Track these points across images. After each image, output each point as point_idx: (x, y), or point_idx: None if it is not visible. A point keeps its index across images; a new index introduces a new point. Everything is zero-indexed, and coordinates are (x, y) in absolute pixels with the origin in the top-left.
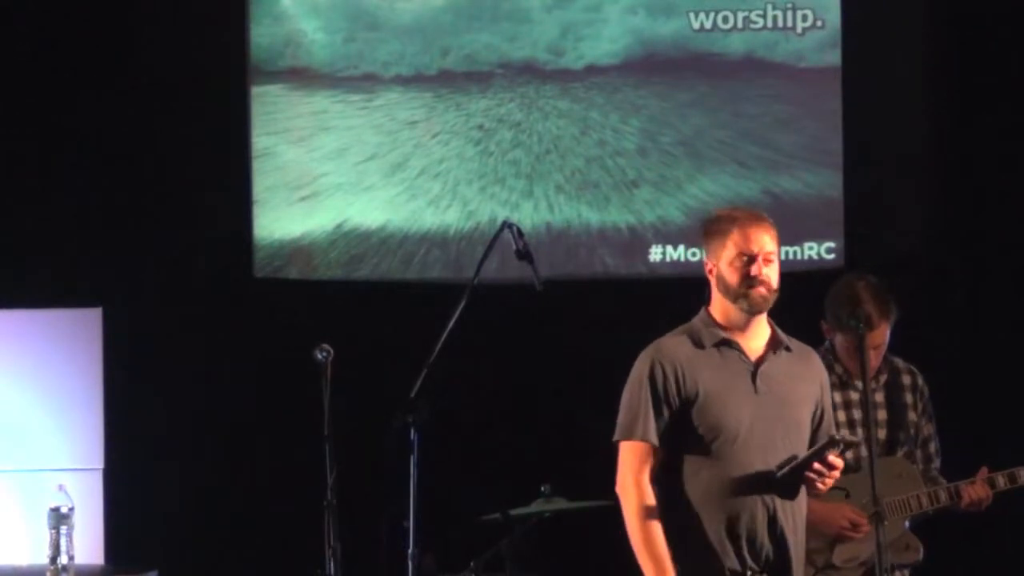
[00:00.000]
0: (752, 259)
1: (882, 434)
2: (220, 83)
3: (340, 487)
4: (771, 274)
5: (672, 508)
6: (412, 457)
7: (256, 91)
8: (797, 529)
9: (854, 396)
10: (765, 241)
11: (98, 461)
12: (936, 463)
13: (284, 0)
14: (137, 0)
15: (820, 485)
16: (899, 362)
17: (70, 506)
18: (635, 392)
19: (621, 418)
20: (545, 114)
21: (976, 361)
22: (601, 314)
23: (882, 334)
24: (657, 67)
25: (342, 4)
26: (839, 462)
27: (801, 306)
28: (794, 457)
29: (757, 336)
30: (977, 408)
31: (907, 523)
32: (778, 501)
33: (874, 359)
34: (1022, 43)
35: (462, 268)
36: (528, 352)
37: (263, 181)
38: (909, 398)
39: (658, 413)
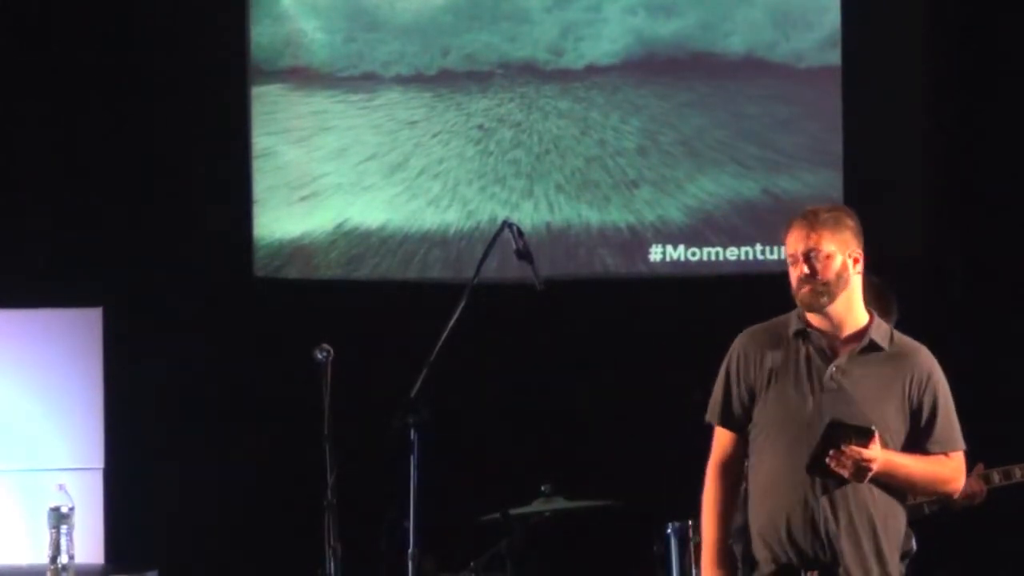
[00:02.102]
0: (794, 260)
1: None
2: (220, 83)
3: (340, 487)
4: (814, 270)
5: (746, 497)
6: (412, 457)
7: (256, 91)
8: (856, 527)
9: None
10: (801, 240)
11: (98, 461)
12: None
13: (284, 0)
14: (137, 0)
15: (846, 474)
16: None
17: (70, 506)
18: (720, 378)
19: (714, 390)
20: (545, 114)
21: (974, 361)
22: (601, 314)
23: None
24: (657, 67)
25: (342, 4)
26: (865, 452)
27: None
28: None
29: (844, 328)
30: (975, 408)
31: None
32: (826, 498)
33: None
34: (1022, 43)
35: (462, 268)
36: (528, 352)
37: (263, 181)
38: None
39: (730, 398)
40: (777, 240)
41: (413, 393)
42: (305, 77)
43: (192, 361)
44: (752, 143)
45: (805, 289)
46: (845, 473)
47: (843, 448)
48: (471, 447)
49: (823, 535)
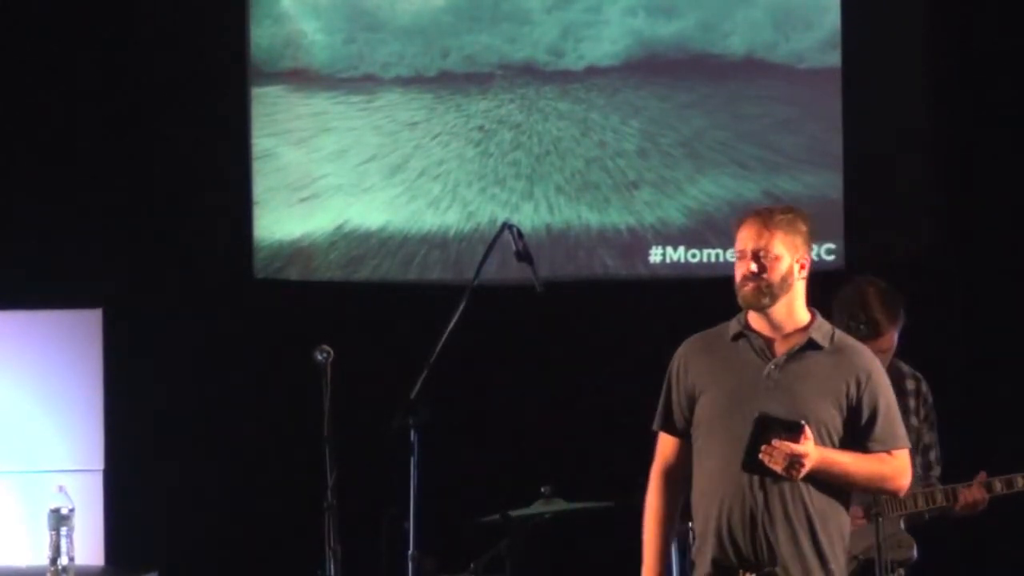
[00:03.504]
0: (741, 256)
1: None
2: (220, 84)
3: (340, 488)
4: (761, 269)
5: (691, 499)
6: (412, 458)
7: (256, 92)
8: (794, 524)
9: None
10: (750, 237)
11: (98, 462)
12: (936, 471)
13: (284, 1)
14: (138, 1)
15: (779, 469)
16: (904, 367)
17: (70, 507)
18: (665, 382)
19: (660, 399)
20: (545, 115)
21: (975, 363)
22: (601, 315)
23: (889, 340)
24: (657, 68)
25: (342, 5)
26: (796, 447)
27: None
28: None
29: (784, 328)
30: (976, 411)
31: (902, 523)
32: (762, 495)
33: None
34: (1022, 43)
35: (462, 269)
36: (528, 353)
37: (263, 182)
38: (911, 403)
39: (671, 404)
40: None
41: (413, 394)
42: (305, 78)
43: (192, 362)
44: (752, 144)
45: (749, 287)
46: (778, 468)
47: (773, 443)
48: (471, 447)
49: (760, 532)
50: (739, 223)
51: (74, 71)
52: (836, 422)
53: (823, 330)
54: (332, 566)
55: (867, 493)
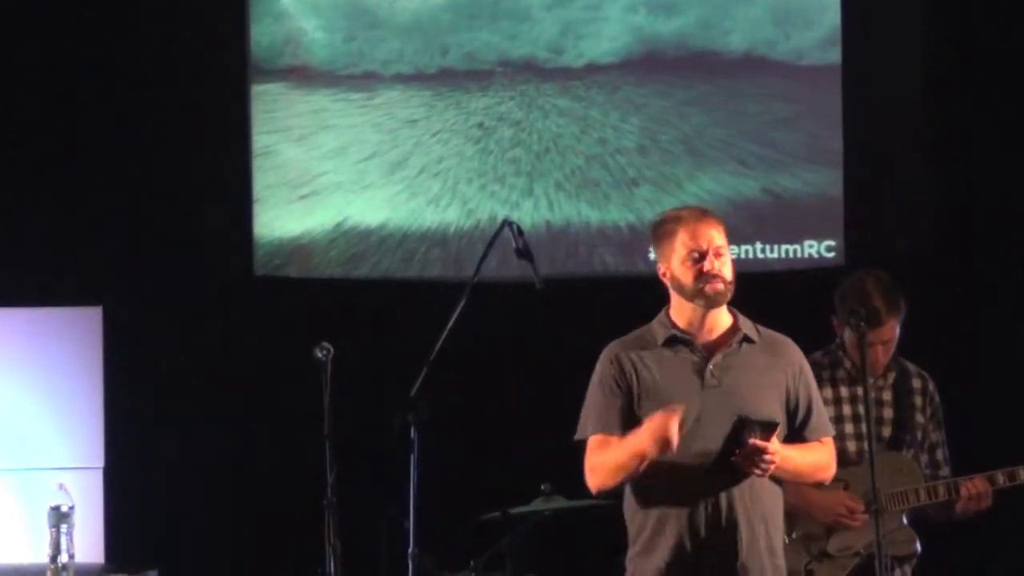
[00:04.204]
0: (703, 255)
1: (887, 431)
2: (220, 82)
3: (340, 486)
4: (724, 268)
5: (629, 506)
6: (412, 456)
7: (256, 90)
8: (754, 522)
9: (861, 392)
10: (713, 236)
11: (98, 460)
12: (944, 471)
13: None
14: (138, 0)
15: (756, 470)
16: (910, 366)
17: (70, 505)
18: (593, 392)
19: (582, 419)
20: (545, 112)
21: (976, 360)
22: (601, 313)
23: (891, 330)
24: (657, 65)
25: (342, 3)
26: (768, 444)
27: (801, 304)
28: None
29: (715, 330)
30: (978, 407)
31: (904, 518)
32: (725, 495)
33: (883, 355)
34: (1022, 43)
35: (462, 267)
36: (528, 351)
37: (263, 179)
38: (918, 401)
39: (611, 406)
40: (777, 238)
41: (413, 392)
42: (305, 76)
43: (192, 361)
44: (752, 141)
45: (718, 285)
46: (754, 469)
47: (749, 443)
48: (471, 447)
49: (723, 529)
50: (679, 222)
51: (74, 70)
52: (780, 415)
53: (748, 324)
54: (332, 564)
55: (803, 484)
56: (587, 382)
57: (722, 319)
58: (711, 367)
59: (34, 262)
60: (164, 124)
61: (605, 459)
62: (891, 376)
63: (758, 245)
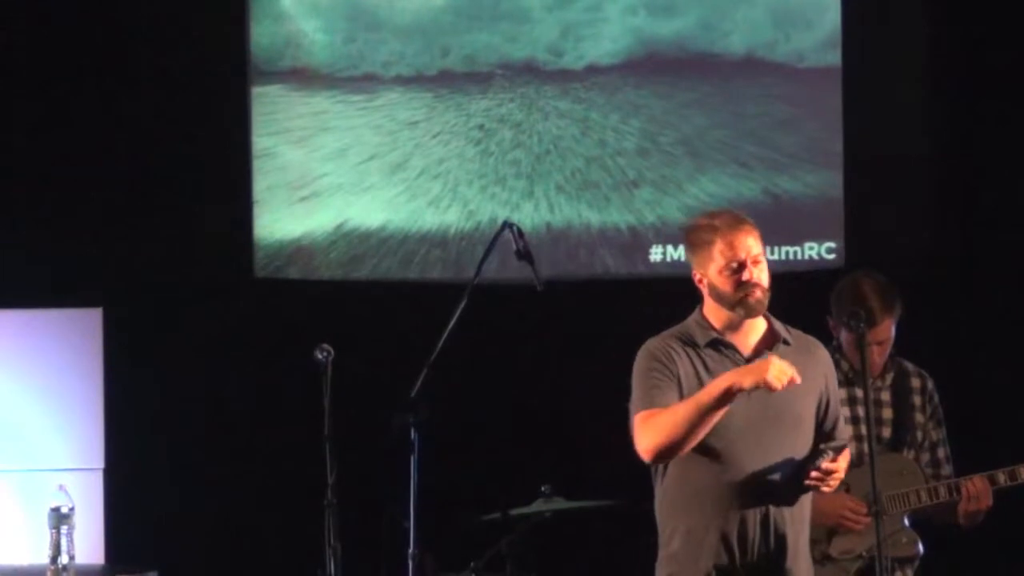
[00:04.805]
0: (742, 265)
1: (887, 432)
2: (220, 83)
3: (340, 487)
4: (762, 276)
5: (665, 506)
6: (412, 457)
7: (256, 91)
8: (798, 529)
9: (859, 393)
10: (750, 244)
11: (98, 461)
12: (946, 470)
13: (284, 0)
14: (137, 0)
15: (825, 488)
16: (909, 365)
17: (70, 506)
18: (652, 367)
19: (634, 398)
20: (545, 114)
21: (976, 360)
22: (601, 314)
23: (886, 330)
24: (658, 67)
25: (342, 4)
26: (836, 466)
27: (801, 305)
28: (786, 464)
29: (752, 333)
30: (978, 407)
31: (906, 519)
32: (774, 501)
33: (878, 356)
34: (1022, 43)
35: (462, 268)
36: (528, 352)
37: (263, 181)
38: (917, 400)
39: (667, 387)
40: (778, 240)
41: (413, 393)
42: (305, 77)
43: (192, 361)
44: (752, 143)
45: (758, 294)
46: (825, 488)
47: (824, 466)
48: (471, 447)
49: (772, 534)
50: (715, 231)
51: (74, 70)
52: (815, 419)
53: (779, 325)
54: (332, 565)
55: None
56: (587, 382)
57: (758, 321)
58: None
59: (34, 262)
60: (164, 125)
61: (664, 417)
62: (889, 377)
63: None
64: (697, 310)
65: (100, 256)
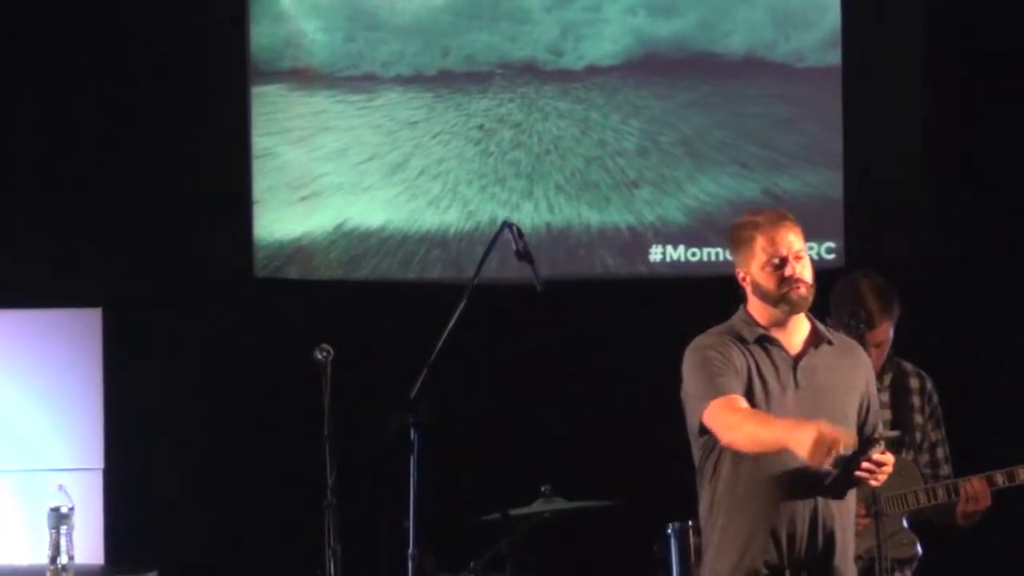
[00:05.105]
0: (784, 261)
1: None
2: (220, 83)
3: (340, 487)
4: (805, 272)
5: (713, 503)
6: (412, 457)
7: (256, 91)
8: (845, 525)
9: None
10: (792, 240)
11: (98, 461)
12: (944, 470)
13: (284, 0)
14: (137, 0)
15: (873, 482)
16: (907, 365)
17: (70, 506)
18: (701, 364)
19: (695, 390)
20: (545, 114)
21: (975, 361)
22: (601, 314)
23: (884, 332)
24: (657, 67)
25: (342, 4)
26: (887, 458)
27: None
28: (842, 458)
29: (797, 332)
30: (977, 410)
31: (904, 520)
32: (823, 500)
33: (876, 357)
34: (1022, 43)
35: (462, 268)
36: (528, 352)
37: (263, 181)
38: (916, 401)
39: (732, 372)
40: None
41: (413, 393)
42: (305, 77)
43: (192, 361)
44: (752, 143)
45: (801, 290)
46: (872, 481)
47: (875, 457)
48: (471, 447)
49: (821, 534)
50: (756, 227)
51: (74, 70)
52: (856, 417)
53: (821, 325)
54: (332, 565)
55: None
56: (586, 383)
57: (802, 320)
58: (801, 368)
59: (34, 262)
60: (164, 125)
61: (747, 427)
62: (887, 377)
63: None
64: (741, 309)
65: (100, 256)
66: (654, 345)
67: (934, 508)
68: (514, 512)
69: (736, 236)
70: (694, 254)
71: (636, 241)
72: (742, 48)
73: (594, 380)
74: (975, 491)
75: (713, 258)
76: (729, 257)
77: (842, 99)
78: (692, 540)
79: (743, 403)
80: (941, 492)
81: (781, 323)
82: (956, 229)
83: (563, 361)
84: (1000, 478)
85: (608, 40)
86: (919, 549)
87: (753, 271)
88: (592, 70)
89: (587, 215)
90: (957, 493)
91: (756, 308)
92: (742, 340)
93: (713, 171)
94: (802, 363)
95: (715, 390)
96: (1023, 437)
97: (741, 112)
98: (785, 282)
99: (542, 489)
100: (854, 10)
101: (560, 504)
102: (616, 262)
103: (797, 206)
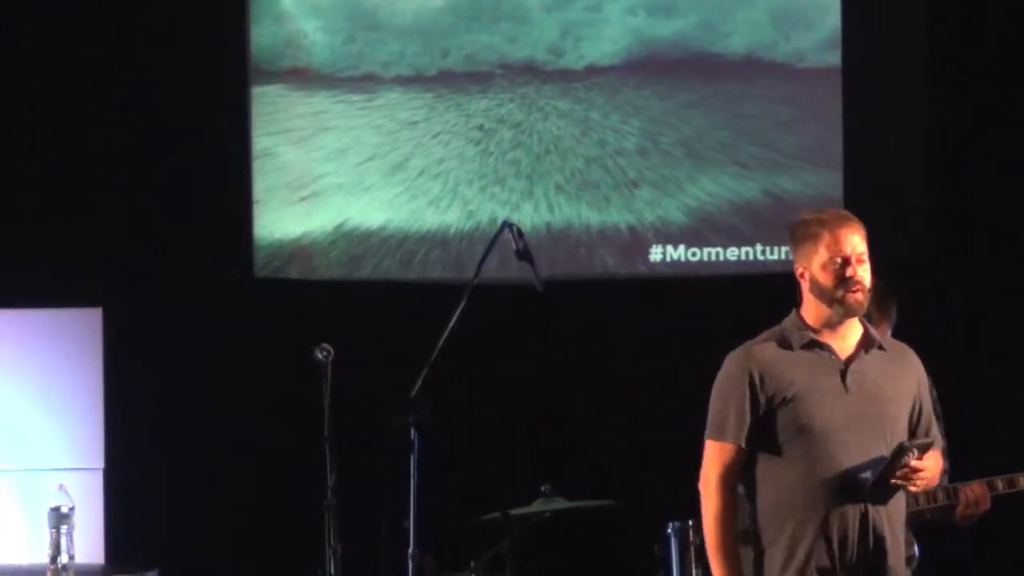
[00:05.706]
0: (846, 261)
1: None
2: (220, 83)
3: (340, 487)
4: (865, 274)
5: (756, 508)
6: (412, 457)
7: (256, 91)
8: (894, 528)
9: None
10: (856, 241)
11: (98, 461)
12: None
13: (284, 0)
14: (137, 0)
15: (912, 488)
16: None
17: (70, 506)
18: (726, 393)
19: (712, 418)
20: (545, 114)
21: (975, 363)
22: (601, 314)
23: (882, 334)
24: (657, 67)
25: (342, 4)
26: (921, 463)
27: None
28: (880, 463)
29: (849, 336)
30: (976, 411)
31: None
32: (873, 508)
33: None
34: (1022, 43)
35: (462, 268)
36: (528, 352)
37: (263, 181)
38: None
39: (750, 415)
40: (777, 240)
41: (413, 393)
42: (305, 77)
43: (192, 361)
44: (752, 143)
45: (858, 295)
46: (911, 486)
47: (911, 464)
48: (471, 447)
49: (871, 534)
50: (822, 224)
51: (74, 70)
52: (908, 424)
53: (873, 330)
54: (332, 565)
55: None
56: (586, 383)
57: (854, 324)
58: (852, 373)
59: (34, 262)
60: (164, 125)
61: (710, 525)
62: None
63: (758, 247)
64: (793, 312)
65: (100, 256)
66: (654, 345)
67: (933, 510)
68: (514, 512)
69: (800, 232)
70: (694, 254)
71: (636, 241)
72: (742, 49)
73: (594, 380)
74: (975, 496)
75: (713, 258)
76: (727, 257)
77: (842, 100)
78: (692, 540)
79: (733, 455)
80: (940, 495)
81: (833, 325)
82: (956, 231)
83: (563, 361)
84: (1000, 484)
85: (608, 40)
86: (916, 550)
87: (814, 268)
88: (592, 70)
89: (587, 215)
90: (957, 497)
91: (810, 308)
92: (788, 347)
93: (713, 171)
94: (852, 367)
95: (716, 431)
96: (1022, 439)
97: (741, 112)
98: (844, 283)
99: (542, 489)
100: (854, 11)
101: (560, 504)
102: (616, 262)
103: (797, 207)
